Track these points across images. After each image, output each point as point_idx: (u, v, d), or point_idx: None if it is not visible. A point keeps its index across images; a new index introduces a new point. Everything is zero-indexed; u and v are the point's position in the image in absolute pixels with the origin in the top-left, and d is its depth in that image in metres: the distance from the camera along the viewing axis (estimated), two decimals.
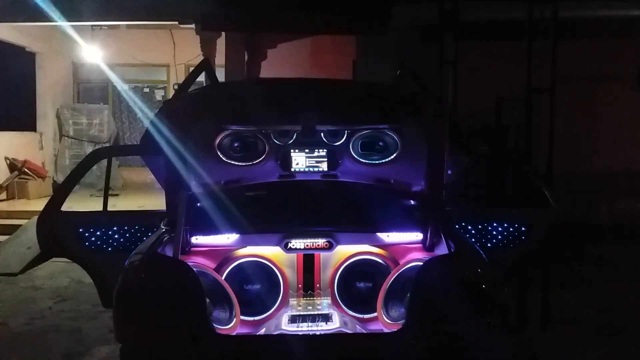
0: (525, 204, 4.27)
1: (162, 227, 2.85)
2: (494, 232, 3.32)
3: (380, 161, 3.06)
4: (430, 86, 7.02)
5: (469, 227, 3.26)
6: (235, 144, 2.99)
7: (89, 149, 11.20)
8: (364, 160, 3.07)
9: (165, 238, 2.75)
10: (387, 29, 7.21)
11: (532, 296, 4.59)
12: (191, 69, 12.18)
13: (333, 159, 3.05)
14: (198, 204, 2.88)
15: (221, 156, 3.00)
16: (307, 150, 3.03)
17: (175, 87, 12.09)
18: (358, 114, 2.80)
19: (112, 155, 3.92)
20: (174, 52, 11.68)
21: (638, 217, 7.77)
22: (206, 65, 4.00)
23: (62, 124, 11.20)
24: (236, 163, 3.01)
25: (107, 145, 11.42)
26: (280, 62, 10.54)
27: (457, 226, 3.14)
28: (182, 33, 10.43)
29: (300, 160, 3.04)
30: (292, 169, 3.04)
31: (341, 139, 3.05)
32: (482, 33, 7.40)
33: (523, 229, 3.29)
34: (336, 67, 10.64)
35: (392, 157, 3.04)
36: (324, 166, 3.05)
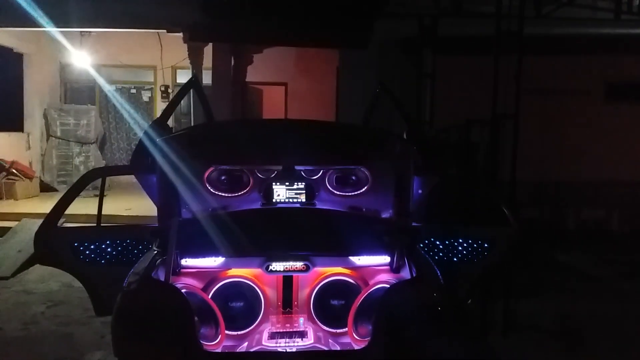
0: (490, 221, 4.63)
1: (155, 248, 3.14)
2: (460, 248, 3.62)
3: (353, 193, 3.41)
4: (409, 98, 7.39)
5: (437, 243, 3.57)
6: (222, 177, 3.32)
7: (76, 149, 11.41)
8: (338, 192, 3.43)
9: (158, 261, 3.03)
10: (368, 43, 7.51)
11: (496, 303, 4.95)
12: (178, 71, 12.43)
13: (311, 192, 3.39)
14: (187, 229, 3.17)
15: (209, 188, 3.31)
16: (287, 184, 3.36)
17: (162, 88, 12.31)
18: (332, 156, 3.13)
19: (106, 175, 4.16)
20: (161, 55, 11.86)
21: (602, 224, 8.21)
22: (194, 84, 4.25)
23: (50, 125, 11.32)
24: (223, 194, 3.33)
25: (94, 145, 11.62)
26: (266, 67, 10.82)
27: (425, 242, 3.45)
28: (170, 36, 10.58)
29: (281, 192, 3.37)
30: (274, 200, 3.37)
31: (318, 174, 3.40)
32: (460, 48, 7.74)
33: (486, 245, 3.60)
34: (320, 73, 10.96)
35: (363, 189, 3.40)
36: (302, 197, 3.39)
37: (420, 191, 4.04)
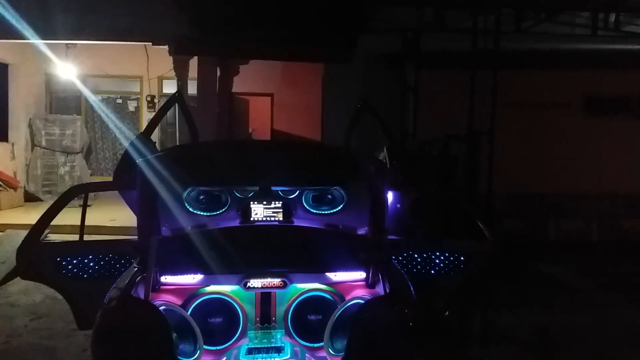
0: (469, 234, 4.73)
1: (135, 265, 3.20)
2: (437, 261, 3.70)
3: (329, 211, 3.50)
4: (393, 111, 7.51)
5: (415, 256, 3.65)
6: (201, 197, 3.39)
7: (61, 158, 11.39)
8: (314, 211, 3.51)
9: (138, 278, 3.08)
10: (352, 57, 7.63)
11: (474, 316, 5.05)
12: (164, 81, 12.47)
13: (288, 210, 3.46)
14: (167, 247, 3.22)
15: (188, 207, 3.38)
16: (264, 203, 3.44)
17: (149, 99, 12.34)
18: (308, 177, 3.21)
19: (89, 191, 4.21)
20: (148, 65, 11.90)
21: (583, 235, 8.36)
22: (177, 99, 4.31)
23: (35, 134, 11.31)
24: (201, 213, 3.40)
25: (80, 155, 11.61)
26: (253, 77, 10.87)
27: (403, 255, 3.53)
28: (156, 47, 10.67)
29: (259, 211, 3.44)
30: (252, 219, 3.44)
31: (295, 194, 3.47)
32: (441, 62, 7.88)
33: (462, 258, 3.69)
34: (307, 84, 11.05)
35: (339, 208, 3.50)
36: (280, 216, 3.46)
37: (399, 205, 4.12)
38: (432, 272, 3.64)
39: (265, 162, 3.11)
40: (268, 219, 3.46)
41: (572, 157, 8.54)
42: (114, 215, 8.96)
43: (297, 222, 3.48)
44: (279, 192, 3.48)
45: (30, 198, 10.60)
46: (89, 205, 10.56)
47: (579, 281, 6.99)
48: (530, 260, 7.21)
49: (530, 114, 8.36)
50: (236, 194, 3.44)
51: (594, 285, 6.87)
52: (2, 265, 6.95)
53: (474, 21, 4.98)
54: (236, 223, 3.44)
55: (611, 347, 5.03)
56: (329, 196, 3.49)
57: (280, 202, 3.46)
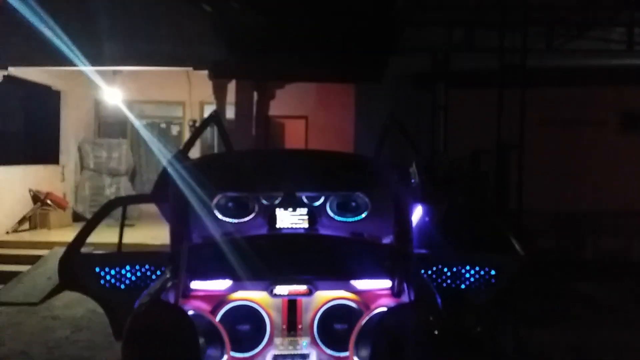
0: (499, 250, 4.68)
1: (167, 272, 3.35)
2: (467, 275, 3.69)
3: (353, 219, 3.57)
4: (422, 130, 7.55)
5: (445, 270, 3.66)
6: (230, 204, 3.54)
7: (107, 180, 11.89)
8: (339, 218, 3.59)
9: (169, 284, 3.23)
10: (382, 77, 7.75)
11: (508, 333, 4.96)
12: (206, 106, 12.91)
13: (313, 217, 3.56)
14: (197, 254, 3.37)
15: (217, 214, 3.53)
16: (290, 210, 3.55)
17: (190, 123, 12.78)
18: (331, 182, 3.31)
19: (127, 203, 4.40)
20: (190, 90, 12.37)
21: (620, 254, 8.07)
22: (215, 118, 4.51)
23: (83, 157, 11.85)
24: (230, 220, 3.54)
25: (125, 177, 12.09)
26: (288, 101, 11.15)
27: (432, 269, 3.54)
28: (198, 73, 11.05)
29: (284, 218, 3.56)
30: (278, 226, 3.55)
31: (319, 201, 3.57)
32: (472, 81, 7.91)
33: (493, 272, 3.67)
34: (339, 106, 11.22)
35: (363, 215, 3.56)
36: (305, 224, 3.56)
37: (427, 219, 4.15)
38: (462, 286, 3.62)
39: (289, 168, 3.24)
40: (293, 225, 3.56)
41: (610, 174, 8.34)
42: (156, 234, 9.24)
43: (322, 229, 3.57)
44: (304, 200, 3.58)
45: (78, 218, 11.06)
46: (132, 225, 10.98)
47: (617, 300, 6.77)
48: (566, 280, 7.01)
49: (566, 130, 8.23)
50: (263, 201, 3.56)
51: (632, 305, 6.62)
52: (48, 280, 7.29)
53: (500, 40, 5.03)
54: (263, 229, 3.55)
55: None
56: (353, 203, 3.56)
57: (306, 209, 3.56)
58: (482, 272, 3.66)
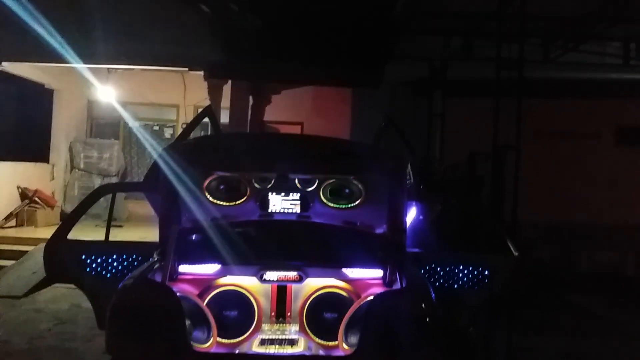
0: (493, 250, 4.64)
1: (155, 256, 3.27)
2: (461, 275, 3.65)
3: (346, 206, 3.50)
4: (418, 137, 7.55)
5: (438, 269, 3.61)
6: (221, 187, 3.46)
7: (97, 181, 11.74)
8: (332, 205, 3.51)
9: (156, 266, 3.15)
10: (381, 83, 7.76)
11: (501, 338, 4.88)
12: (200, 109, 12.84)
13: (305, 203, 3.48)
14: (186, 237, 3.29)
15: (208, 196, 3.45)
16: (283, 194, 3.48)
17: (184, 126, 12.71)
18: (325, 165, 3.26)
19: (116, 191, 4.36)
20: (184, 94, 12.31)
21: (616, 267, 8.06)
22: (208, 112, 4.48)
23: (74, 157, 11.73)
24: (221, 203, 3.46)
25: (115, 178, 11.97)
26: (283, 106, 11.11)
27: (426, 269, 3.48)
28: (193, 76, 11.01)
29: (277, 203, 3.48)
30: (270, 210, 3.48)
31: (312, 186, 3.50)
32: (469, 90, 7.93)
33: (486, 272, 3.63)
34: (335, 113, 11.21)
35: (356, 202, 3.48)
36: (297, 208, 3.49)
37: (421, 217, 4.10)
38: (456, 286, 3.59)
39: (283, 150, 3.18)
40: (286, 210, 3.48)
41: (604, 187, 8.36)
42: (145, 235, 9.10)
43: (315, 215, 3.50)
44: (297, 184, 3.50)
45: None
46: (121, 226, 10.80)
47: (610, 311, 6.74)
48: (560, 291, 6.97)
49: (561, 142, 8.26)
50: (255, 184, 3.49)
51: (626, 316, 6.59)
52: (32, 275, 7.15)
53: (497, 50, 5.05)
54: (255, 214, 3.48)
55: None
56: (347, 190, 3.48)
57: (298, 194, 3.48)
58: (475, 272, 3.63)
